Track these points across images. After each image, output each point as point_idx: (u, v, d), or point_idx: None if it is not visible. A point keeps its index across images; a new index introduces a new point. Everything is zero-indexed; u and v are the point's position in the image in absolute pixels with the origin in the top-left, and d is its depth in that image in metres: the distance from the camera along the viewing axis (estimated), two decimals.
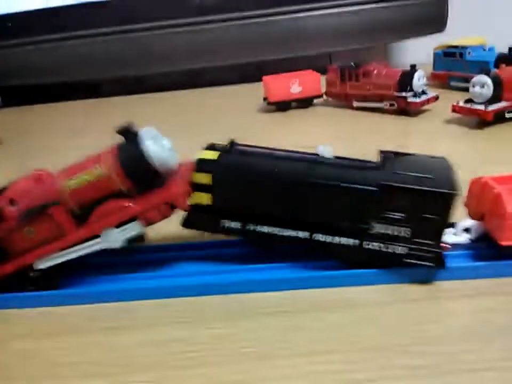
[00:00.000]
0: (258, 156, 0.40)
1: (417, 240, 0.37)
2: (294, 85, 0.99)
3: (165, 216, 0.40)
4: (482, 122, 0.78)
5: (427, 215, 0.36)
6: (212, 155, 0.40)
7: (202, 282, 0.41)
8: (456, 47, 1.02)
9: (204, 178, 0.39)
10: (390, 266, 0.39)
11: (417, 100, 0.85)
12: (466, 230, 0.42)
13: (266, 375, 0.31)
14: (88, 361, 0.35)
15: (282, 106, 1.01)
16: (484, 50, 1.01)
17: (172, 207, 0.40)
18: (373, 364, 0.32)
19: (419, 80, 0.85)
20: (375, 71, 0.90)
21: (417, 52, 1.48)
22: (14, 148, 0.99)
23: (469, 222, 0.42)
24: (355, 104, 0.95)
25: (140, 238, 0.41)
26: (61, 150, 0.81)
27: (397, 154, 0.40)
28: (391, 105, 0.88)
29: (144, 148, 0.37)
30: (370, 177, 0.37)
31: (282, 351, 0.34)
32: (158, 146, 0.38)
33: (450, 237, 0.41)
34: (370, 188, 0.36)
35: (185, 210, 0.41)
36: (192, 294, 0.40)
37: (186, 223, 0.42)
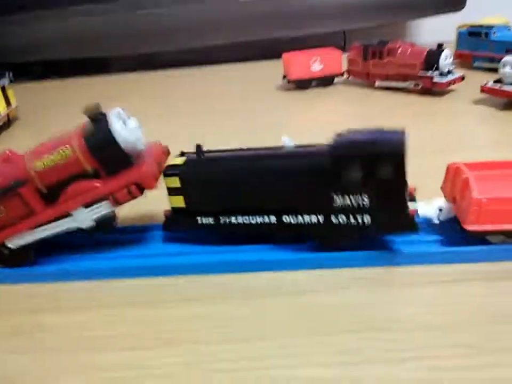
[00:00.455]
0: (220, 156, 0.42)
1: (381, 207, 0.37)
2: (315, 62, 0.97)
3: (133, 197, 0.40)
4: (510, 103, 0.76)
5: (380, 179, 0.36)
6: (180, 161, 0.42)
7: (196, 261, 0.41)
8: (481, 26, 0.99)
9: (174, 182, 0.41)
10: (361, 237, 0.39)
11: (444, 80, 0.83)
12: (440, 210, 0.42)
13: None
14: (111, 335, 0.35)
15: (302, 84, 0.99)
16: (509, 30, 0.98)
17: (141, 188, 0.40)
18: (395, 343, 0.31)
19: (446, 59, 0.83)
20: (400, 50, 0.88)
21: (435, 31, 1.45)
22: (30, 123, 0.98)
23: (443, 203, 0.42)
24: (377, 83, 0.93)
25: (110, 219, 0.42)
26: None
27: (349, 131, 0.40)
28: (415, 85, 0.87)
29: (111, 130, 0.38)
30: (320, 153, 0.38)
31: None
32: (125, 128, 0.38)
33: (421, 208, 0.41)
34: (319, 161, 0.37)
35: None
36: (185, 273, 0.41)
37: (166, 226, 0.44)
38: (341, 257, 0.40)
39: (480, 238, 0.39)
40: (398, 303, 0.36)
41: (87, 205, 0.40)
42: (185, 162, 0.42)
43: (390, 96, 0.91)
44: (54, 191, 0.40)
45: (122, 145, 0.38)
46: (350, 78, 1.00)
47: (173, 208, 0.43)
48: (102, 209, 0.40)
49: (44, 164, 0.39)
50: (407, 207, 0.38)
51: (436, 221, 0.41)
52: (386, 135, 0.37)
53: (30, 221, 0.41)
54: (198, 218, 0.42)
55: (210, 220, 0.42)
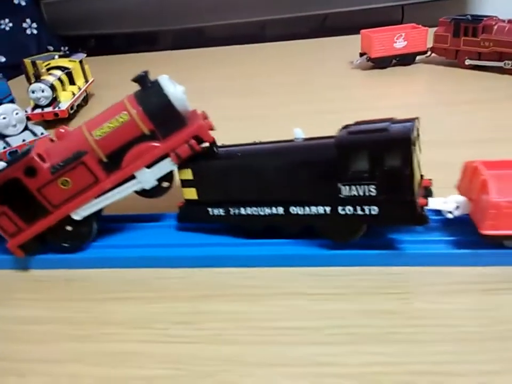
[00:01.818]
0: (230, 149, 0.42)
1: (388, 198, 0.36)
2: (399, 39, 0.92)
3: (194, 151, 0.41)
4: None
5: (386, 169, 0.35)
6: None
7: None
8: None
9: (187, 174, 0.42)
10: (369, 228, 0.39)
11: None
12: (457, 206, 0.39)
13: None
14: (294, 327, 0.33)
15: (382, 63, 0.95)
16: None
17: (198, 141, 0.41)
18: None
19: None
20: (496, 26, 0.83)
21: (497, 7, 1.37)
22: (106, 98, 0.96)
23: (460, 199, 0.39)
24: (468, 62, 0.88)
25: (169, 178, 0.42)
26: None
27: (356, 122, 0.39)
28: None
29: (165, 92, 0.39)
30: (325, 144, 0.38)
31: None
32: (176, 90, 0.40)
33: (437, 202, 0.39)
34: (325, 153, 0.37)
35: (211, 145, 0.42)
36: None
37: (180, 218, 0.45)
38: (351, 255, 0.39)
39: (496, 242, 0.36)
40: None
41: (149, 165, 0.41)
42: (197, 155, 0.42)
43: (479, 76, 0.87)
44: (113, 159, 0.41)
45: (177, 105, 0.40)
46: (431, 55, 0.95)
47: (186, 200, 0.44)
48: (164, 167, 0.41)
49: (102, 132, 0.40)
50: (415, 198, 0.35)
51: (450, 216, 0.39)
52: (393, 124, 0.36)
53: (96, 189, 0.41)
54: (209, 209, 0.43)
55: (220, 212, 0.42)
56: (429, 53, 0.95)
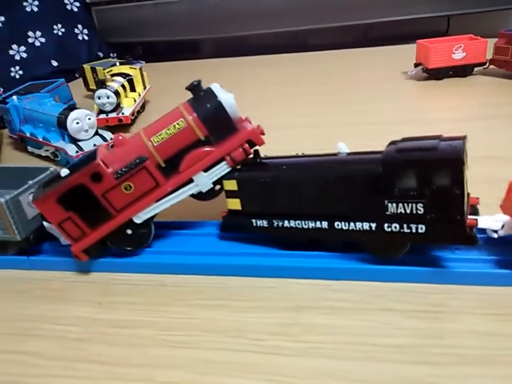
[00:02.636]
0: (275, 162, 0.43)
1: (436, 217, 0.35)
2: (458, 50, 0.90)
3: (247, 154, 0.43)
4: None
5: (435, 188, 0.34)
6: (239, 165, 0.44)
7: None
8: None
9: (231, 185, 0.43)
10: (416, 246, 0.38)
11: None
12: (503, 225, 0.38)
13: None
14: (389, 344, 0.33)
15: (439, 74, 0.93)
16: None
17: (251, 145, 0.43)
18: None
19: None
20: None
21: None
22: (161, 105, 0.97)
23: (506, 218, 0.38)
24: None
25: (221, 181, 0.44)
26: None
27: (405, 139, 0.38)
28: None
29: (219, 99, 0.41)
30: (372, 160, 0.37)
31: None
32: (228, 97, 0.42)
33: (486, 221, 0.38)
34: (372, 168, 0.37)
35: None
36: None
37: (224, 227, 0.46)
38: (392, 271, 0.39)
39: None
40: None
41: (206, 169, 0.43)
42: (242, 167, 0.43)
43: None
44: (171, 164, 0.43)
45: (229, 112, 0.42)
46: (490, 67, 0.93)
47: (230, 210, 0.45)
48: (220, 171, 0.43)
49: (160, 138, 0.42)
50: (464, 218, 0.35)
51: (495, 236, 0.38)
52: (443, 142, 0.35)
53: (157, 192, 0.43)
54: (253, 220, 0.43)
55: (264, 223, 0.43)
56: (487, 64, 0.93)
